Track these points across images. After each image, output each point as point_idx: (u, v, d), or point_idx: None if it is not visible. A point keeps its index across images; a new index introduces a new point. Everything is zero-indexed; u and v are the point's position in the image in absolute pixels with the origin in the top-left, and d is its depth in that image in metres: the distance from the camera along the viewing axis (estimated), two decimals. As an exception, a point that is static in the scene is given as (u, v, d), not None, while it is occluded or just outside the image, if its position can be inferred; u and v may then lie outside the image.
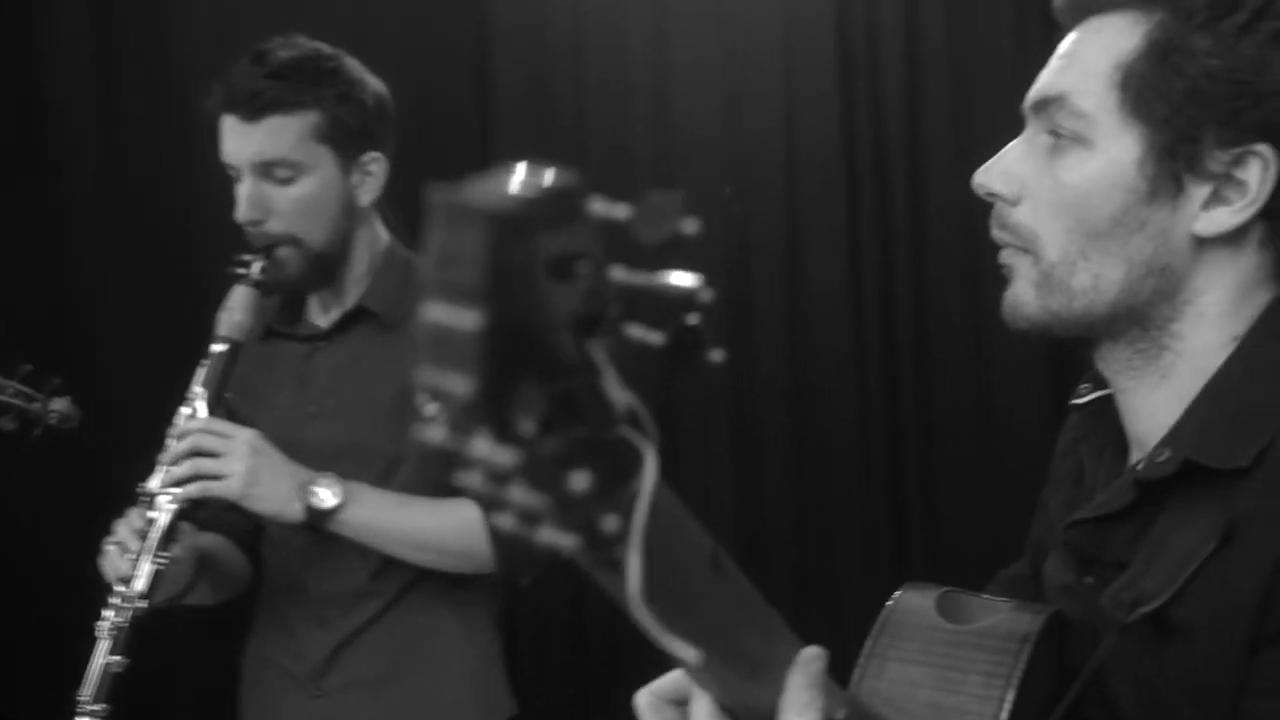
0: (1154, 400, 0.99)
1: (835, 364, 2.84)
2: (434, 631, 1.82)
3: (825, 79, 2.83)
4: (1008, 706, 0.91)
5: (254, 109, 1.68)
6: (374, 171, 1.80)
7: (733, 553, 0.71)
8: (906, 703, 0.94)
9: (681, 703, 0.84)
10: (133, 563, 1.59)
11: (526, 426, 0.46)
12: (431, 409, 0.46)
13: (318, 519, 1.65)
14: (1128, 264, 0.95)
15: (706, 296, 0.52)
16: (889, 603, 1.03)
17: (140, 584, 1.58)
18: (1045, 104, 0.98)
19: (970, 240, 2.72)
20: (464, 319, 0.42)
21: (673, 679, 0.85)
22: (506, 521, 0.51)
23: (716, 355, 0.54)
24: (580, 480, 0.48)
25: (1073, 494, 1.13)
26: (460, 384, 0.43)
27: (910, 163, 2.80)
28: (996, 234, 1.02)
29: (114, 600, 1.59)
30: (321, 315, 1.86)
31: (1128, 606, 0.91)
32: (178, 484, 1.61)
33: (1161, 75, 0.92)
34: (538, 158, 0.49)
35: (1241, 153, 0.92)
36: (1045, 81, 1.00)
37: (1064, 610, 1.02)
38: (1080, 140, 0.96)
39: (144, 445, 1.68)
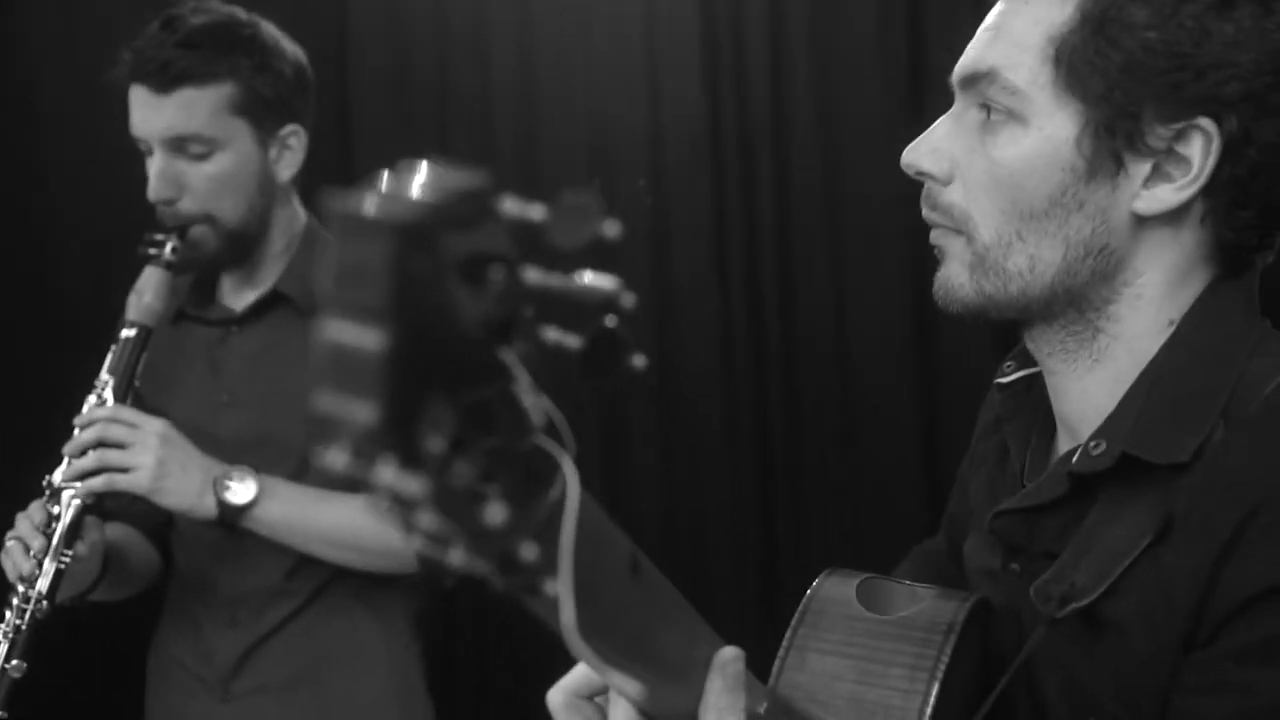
0: (1086, 383, 0.97)
1: (702, 353, 2.83)
2: (351, 633, 1.75)
3: (690, 70, 2.81)
4: (932, 700, 0.89)
5: (165, 80, 1.59)
6: (293, 145, 1.73)
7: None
8: (828, 696, 0.92)
9: (595, 696, 0.82)
10: (36, 561, 1.52)
11: (435, 445, 0.43)
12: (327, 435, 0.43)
13: (230, 515, 1.59)
14: (1065, 245, 0.92)
15: (627, 299, 0.49)
16: (809, 591, 1.01)
17: (43, 583, 1.52)
18: (975, 79, 0.95)
19: (835, 229, 2.74)
20: (365, 339, 0.40)
21: (584, 673, 0.82)
22: (418, 542, 0.48)
23: (638, 360, 0.52)
24: (494, 513, 0.46)
25: (995, 474, 1.11)
26: (362, 410, 0.40)
27: (775, 153, 2.79)
28: (927, 214, 0.99)
29: (14, 601, 1.53)
30: (235, 297, 1.78)
31: (1058, 601, 0.89)
32: (82, 476, 1.54)
33: (1097, 48, 0.89)
34: (399, 158, 0.46)
35: (1183, 127, 0.88)
36: (973, 55, 0.96)
37: (988, 596, 1.01)
38: (1014, 116, 0.92)
39: (48, 435, 1.61)
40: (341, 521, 1.63)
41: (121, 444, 1.55)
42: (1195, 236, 0.93)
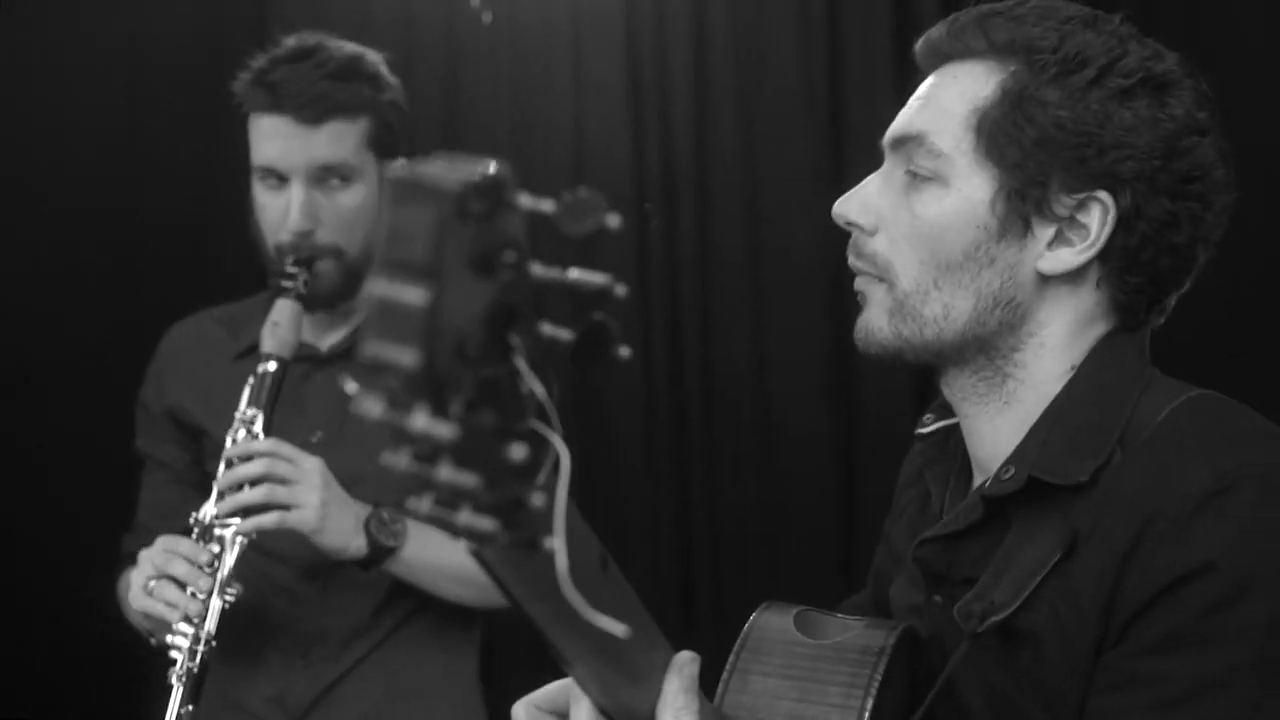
0: (997, 424, 1.05)
1: (622, 384, 2.86)
2: (420, 670, 1.74)
3: (615, 100, 2.87)
4: (867, 714, 0.95)
5: (318, 112, 1.60)
6: None
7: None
8: (769, 714, 0.98)
9: (557, 713, 0.86)
10: (203, 601, 1.49)
11: (456, 406, 0.46)
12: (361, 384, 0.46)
13: (380, 556, 1.58)
14: (976, 296, 1.01)
15: (620, 292, 0.53)
16: (749, 621, 1.07)
17: (211, 624, 1.49)
18: (904, 141, 1.04)
19: (756, 264, 2.80)
20: (411, 294, 0.43)
21: (549, 691, 0.87)
22: (425, 506, 0.51)
23: (624, 351, 0.56)
24: (517, 451, 0.49)
25: (917, 520, 1.19)
26: (406, 356, 0.43)
27: (698, 184, 2.85)
28: (853, 262, 1.07)
29: (182, 643, 1.49)
30: (316, 335, 1.76)
31: (978, 617, 0.95)
32: (244, 512, 1.52)
33: (1014, 122, 0.98)
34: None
35: (1084, 198, 0.98)
36: (904, 120, 1.05)
37: (914, 626, 1.07)
38: (937, 178, 1.01)
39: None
40: (462, 558, 1.57)
41: (285, 480, 1.53)
42: (1093, 296, 1.03)
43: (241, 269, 2.10)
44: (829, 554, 2.75)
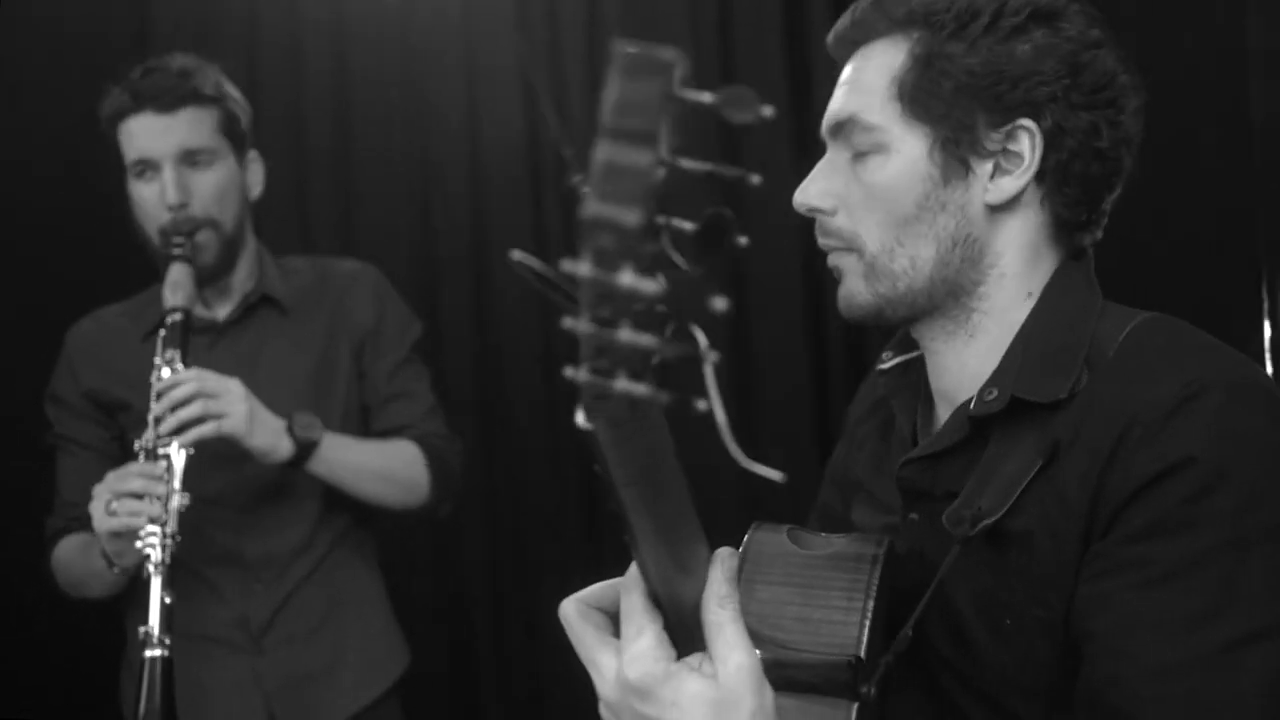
0: (963, 357, 1.15)
1: (523, 372, 2.92)
2: (354, 580, 2.04)
3: (509, 83, 2.91)
4: (869, 614, 1.03)
5: (172, 101, 1.86)
6: (256, 169, 2.02)
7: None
8: (778, 619, 1.04)
9: (603, 609, 0.90)
10: (162, 503, 1.71)
11: (654, 267, 0.51)
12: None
13: (305, 452, 1.84)
14: (936, 241, 1.11)
15: (754, 180, 0.59)
16: (745, 540, 1.14)
17: (172, 523, 1.71)
18: (840, 126, 1.14)
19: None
20: (638, 158, 0.48)
21: (596, 589, 0.91)
22: (582, 374, 0.56)
23: (742, 240, 0.61)
24: (720, 303, 0.53)
25: (880, 448, 1.29)
26: (630, 215, 0.48)
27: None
28: (823, 242, 1.18)
29: (153, 540, 1.70)
30: (210, 308, 2.00)
31: (969, 522, 1.05)
32: (181, 428, 1.74)
33: (931, 80, 1.09)
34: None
35: (1011, 129, 1.09)
36: (836, 108, 1.16)
37: (894, 541, 1.15)
38: (877, 149, 1.11)
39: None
40: (378, 457, 1.95)
41: (215, 394, 1.76)
42: (1039, 218, 1.13)
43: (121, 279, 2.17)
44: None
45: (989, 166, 1.10)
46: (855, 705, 0.98)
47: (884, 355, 1.29)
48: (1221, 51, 2.33)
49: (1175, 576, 0.95)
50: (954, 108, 1.08)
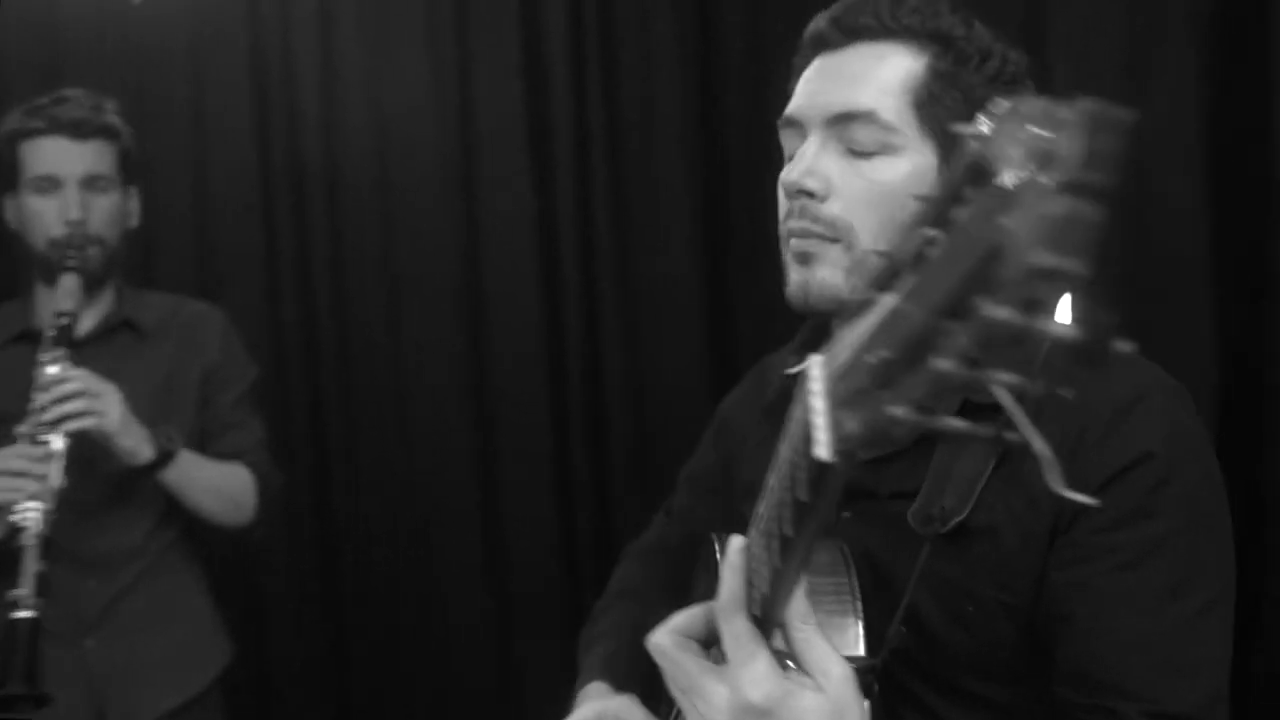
0: None
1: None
2: (182, 586, 2.21)
3: (239, 98, 2.84)
4: (861, 614, 1.07)
5: (86, 131, 2.09)
6: (135, 201, 2.22)
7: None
8: None
9: (696, 638, 0.92)
10: (42, 480, 1.88)
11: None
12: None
13: (163, 460, 2.02)
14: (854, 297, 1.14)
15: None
16: (715, 546, 1.16)
17: (50, 502, 1.88)
18: (849, 118, 1.13)
19: (390, 266, 2.83)
20: (1091, 213, 0.49)
21: (684, 619, 0.93)
22: (910, 413, 0.58)
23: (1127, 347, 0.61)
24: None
25: (777, 447, 1.31)
26: (1077, 266, 0.49)
27: (329, 185, 2.86)
28: (804, 226, 1.14)
29: (32, 515, 1.86)
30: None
31: (939, 521, 1.08)
32: (63, 419, 1.92)
33: (951, 98, 1.11)
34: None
35: None
36: (842, 98, 1.14)
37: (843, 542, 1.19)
38: (887, 149, 1.11)
39: None
40: (218, 475, 2.15)
41: (97, 394, 1.96)
42: None
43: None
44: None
45: None
46: (866, 704, 1.00)
47: (790, 359, 1.28)
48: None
49: (1144, 559, 1.04)
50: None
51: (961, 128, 0.56)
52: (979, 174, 0.54)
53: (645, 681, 1.33)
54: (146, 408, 2.06)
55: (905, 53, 1.13)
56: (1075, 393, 1.06)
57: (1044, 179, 0.49)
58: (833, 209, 1.13)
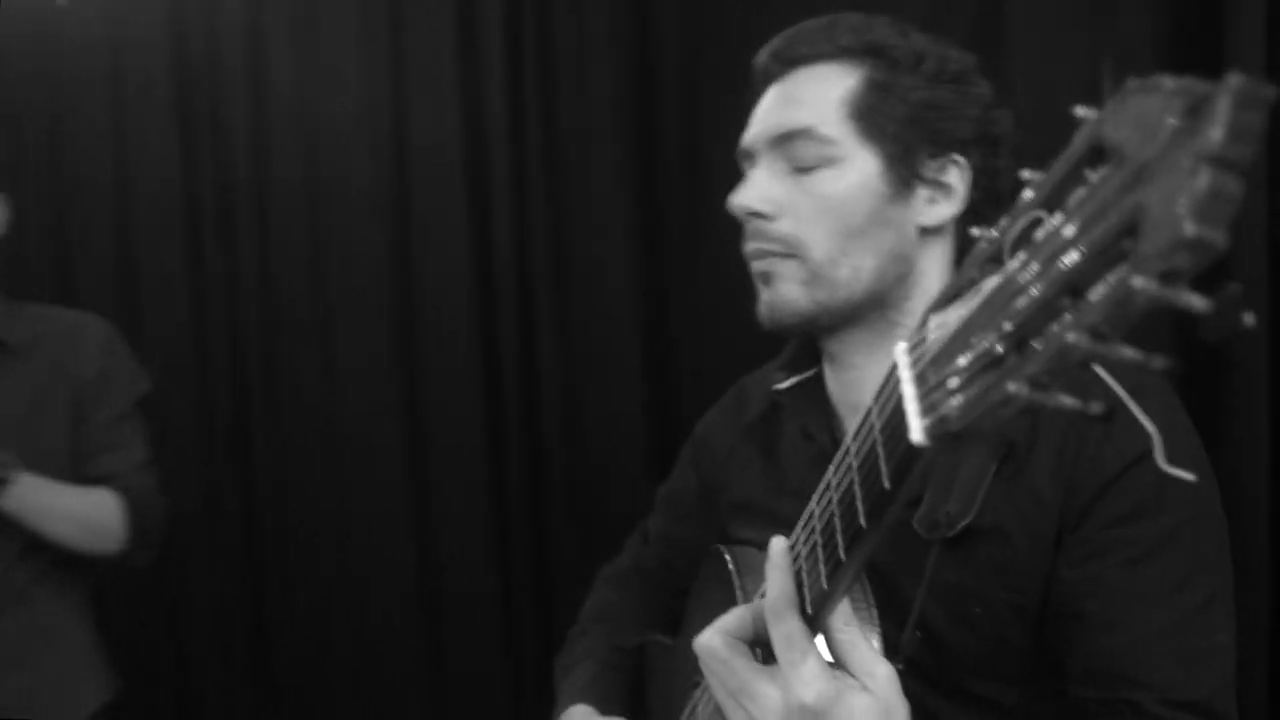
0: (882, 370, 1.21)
1: (177, 392, 2.80)
2: (55, 619, 2.08)
3: (162, 110, 2.79)
4: (877, 619, 1.05)
5: None
6: (3, 210, 2.05)
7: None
8: None
9: (744, 638, 0.92)
10: None
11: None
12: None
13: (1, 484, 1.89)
14: (878, 254, 1.17)
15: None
16: (726, 557, 1.16)
17: None
18: (789, 137, 1.18)
19: (319, 283, 2.79)
20: (1235, 186, 0.50)
21: (733, 620, 0.93)
22: (1022, 389, 0.58)
23: (1249, 319, 0.62)
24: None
25: (769, 465, 1.33)
26: (1221, 239, 0.50)
27: (257, 198, 2.81)
28: (757, 247, 1.20)
29: None
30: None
31: (945, 525, 1.10)
32: None
33: (888, 105, 1.16)
34: None
35: (944, 161, 1.18)
36: (780, 119, 1.19)
37: None
38: (831, 161, 1.16)
39: None
40: (76, 502, 2.00)
41: None
42: (953, 242, 1.23)
43: None
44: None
45: (927, 192, 1.18)
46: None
47: (777, 376, 1.33)
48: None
49: (1154, 553, 1.06)
50: (903, 133, 1.16)
51: (1081, 111, 0.57)
52: (1098, 154, 0.55)
53: (626, 704, 1.36)
54: (14, 429, 1.97)
55: (842, 70, 1.18)
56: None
57: (1187, 154, 0.50)
58: (783, 227, 1.18)
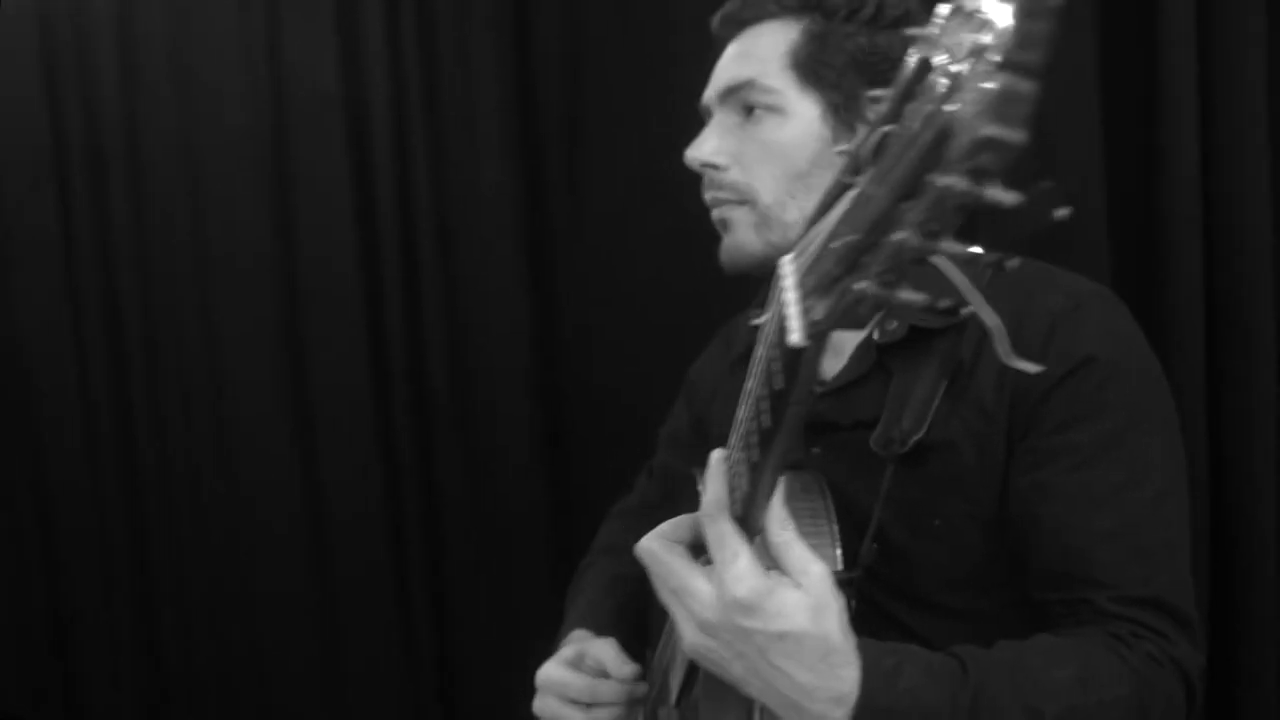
0: None
1: (51, 366, 2.74)
2: None
3: (26, 68, 2.69)
4: (837, 535, 1.12)
5: None
6: None
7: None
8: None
9: (683, 542, 0.96)
10: None
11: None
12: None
13: None
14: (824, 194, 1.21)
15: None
16: (698, 483, 1.20)
17: None
18: (736, 89, 1.26)
19: (199, 247, 2.72)
20: (1027, 88, 0.53)
21: (670, 527, 0.98)
22: (870, 286, 0.63)
23: (1064, 212, 0.65)
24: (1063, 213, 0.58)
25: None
26: (1017, 136, 0.54)
27: (128, 163, 2.72)
28: (712, 195, 1.29)
29: None
30: None
31: (899, 443, 1.16)
32: None
33: (826, 53, 1.23)
34: None
35: None
36: (729, 74, 1.28)
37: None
38: (774, 110, 1.24)
39: None
40: None
41: None
42: None
43: None
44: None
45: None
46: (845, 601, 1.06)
47: (754, 312, 1.37)
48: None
49: (1098, 456, 1.11)
50: (843, 79, 1.23)
51: (912, 31, 0.62)
52: (926, 70, 0.60)
53: (626, 629, 1.41)
54: None
55: (783, 26, 1.26)
56: (1009, 305, 1.13)
57: (983, 63, 0.54)
58: (734, 175, 1.26)
